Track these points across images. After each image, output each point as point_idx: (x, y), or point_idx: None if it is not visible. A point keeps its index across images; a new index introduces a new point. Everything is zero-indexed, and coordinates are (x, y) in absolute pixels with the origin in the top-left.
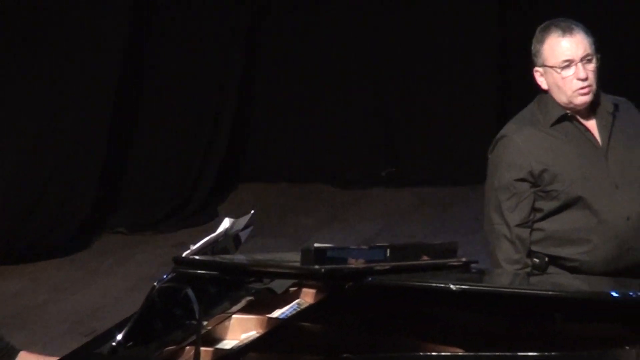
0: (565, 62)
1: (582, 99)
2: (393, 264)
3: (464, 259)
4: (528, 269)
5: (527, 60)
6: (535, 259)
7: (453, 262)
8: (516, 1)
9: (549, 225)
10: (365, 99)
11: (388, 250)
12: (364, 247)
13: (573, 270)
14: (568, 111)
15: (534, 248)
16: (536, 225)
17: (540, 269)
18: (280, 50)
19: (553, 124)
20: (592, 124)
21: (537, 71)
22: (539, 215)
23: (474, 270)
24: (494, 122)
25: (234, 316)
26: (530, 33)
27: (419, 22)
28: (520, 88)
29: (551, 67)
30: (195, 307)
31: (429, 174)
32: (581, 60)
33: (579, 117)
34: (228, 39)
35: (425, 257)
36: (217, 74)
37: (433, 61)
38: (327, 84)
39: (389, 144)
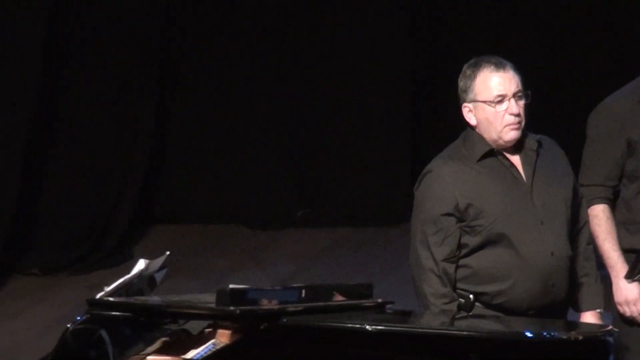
0: (498, 97)
1: (512, 135)
2: (308, 304)
3: (379, 300)
4: (455, 303)
5: (440, 99)
6: (460, 298)
7: (368, 302)
8: (428, 39)
9: (474, 261)
10: (279, 140)
11: (303, 291)
12: (279, 288)
13: (498, 307)
14: (494, 147)
15: (459, 285)
16: (461, 262)
17: (466, 308)
18: (194, 91)
19: (479, 160)
20: (517, 160)
21: (465, 107)
22: (464, 251)
23: (389, 311)
24: (408, 162)
25: (148, 357)
26: (443, 70)
27: (330, 60)
28: (434, 128)
29: (483, 102)
30: (109, 349)
31: (343, 214)
32: (514, 95)
33: (504, 153)
34: (142, 80)
35: (340, 298)
36: (130, 115)
37: (345, 101)
38: (241, 124)
39: (304, 185)
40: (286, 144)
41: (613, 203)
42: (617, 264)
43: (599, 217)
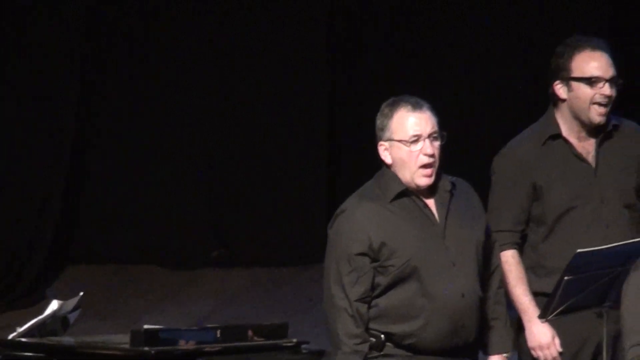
0: (414, 136)
1: (425, 181)
2: (224, 345)
3: (295, 340)
4: (367, 343)
5: (357, 138)
6: (372, 338)
7: (284, 342)
8: (346, 78)
9: (386, 301)
10: (195, 180)
11: (219, 331)
12: (195, 328)
13: (409, 347)
14: (408, 187)
15: (371, 325)
16: (374, 301)
17: (377, 348)
18: (111, 131)
19: (392, 200)
20: (430, 201)
21: (381, 145)
22: (377, 290)
23: (305, 351)
24: (324, 201)
25: None
26: (361, 109)
27: (247, 99)
28: (350, 167)
29: (399, 141)
30: None
31: (259, 254)
32: (429, 136)
33: (418, 194)
34: (58, 119)
35: (256, 338)
36: (45, 156)
37: (262, 140)
38: (157, 164)
39: (219, 225)
40: (202, 184)
41: (521, 247)
42: (529, 309)
43: (509, 262)
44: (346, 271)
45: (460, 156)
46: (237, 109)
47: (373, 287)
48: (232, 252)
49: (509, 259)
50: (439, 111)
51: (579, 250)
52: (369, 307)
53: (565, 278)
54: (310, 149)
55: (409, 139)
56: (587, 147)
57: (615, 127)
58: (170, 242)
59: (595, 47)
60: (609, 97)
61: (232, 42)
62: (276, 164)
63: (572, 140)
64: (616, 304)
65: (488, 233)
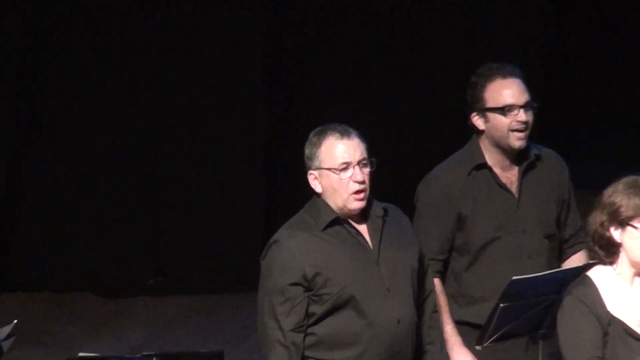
0: (343, 164)
1: (357, 205)
2: None
3: None
4: None
5: (293, 166)
6: None
7: None
8: (281, 106)
9: (321, 329)
10: (130, 207)
11: (154, 359)
12: (130, 356)
13: None
14: (340, 215)
15: (307, 353)
16: (309, 330)
17: None
18: (43, 158)
19: (325, 228)
20: (363, 228)
21: (311, 174)
22: (312, 319)
23: None
24: (261, 228)
25: None
26: (296, 138)
27: (183, 124)
28: (287, 195)
29: (328, 169)
30: None
31: (195, 281)
32: (358, 163)
33: (350, 221)
34: None
35: None
36: None
37: (198, 167)
38: (91, 191)
39: (155, 252)
40: (137, 211)
41: (443, 275)
42: (451, 337)
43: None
44: (279, 301)
45: (391, 181)
46: (174, 134)
47: (307, 316)
48: (167, 279)
49: None
50: (369, 137)
51: (514, 278)
52: (305, 336)
53: (501, 305)
54: (247, 176)
55: (339, 166)
56: (510, 177)
57: (538, 156)
58: (106, 269)
59: (506, 75)
60: (525, 122)
61: (167, 67)
62: (212, 191)
63: (497, 170)
64: (551, 331)
65: (421, 258)
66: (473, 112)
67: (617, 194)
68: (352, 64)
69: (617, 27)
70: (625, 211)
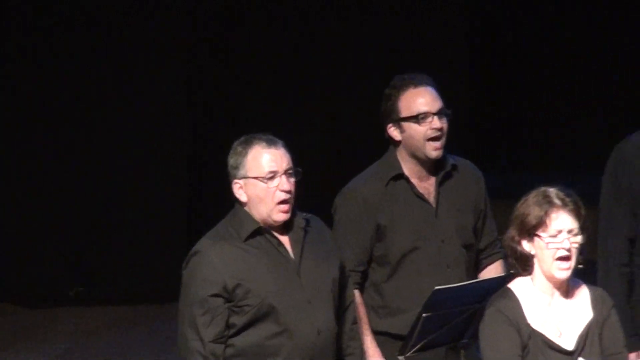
0: (270, 173)
1: (282, 216)
2: None
3: None
4: None
5: (216, 176)
6: None
7: None
8: (205, 119)
9: (241, 340)
10: (51, 216)
11: None
12: None
13: None
14: (262, 225)
15: None
16: (230, 341)
17: None
18: None
19: (247, 239)
20: (285, 239)
21: (236, 184)
22: (232, 330)
23: None
24: (184, 238)
25: None
26: (219, 147)
27: (106, 138)
28: (209, 204)
29: (255, 178)
30: None
31: (117, 292)
32: (285, 172)
33: (272, 232)
34: None
35: None
36: None
37: (121, 177)
38: (13, 200)
39: (78, 262)
40: (60, 221)
41: (362, 286)
42: (369, 349)
43: None
44: (200, 312)
45: (313, 192)
46: (96, 145)
47: (228, 327)
48: (90, 289)
49: None
50: (290, 148)
51: (437, 287)
52: (225, 347)
53: (424, 315)
54: (170, 187)
55: (265, 175)
56: (428, 187)
57: (454, 167)
58: (27, 279)
59: (418, 84)
60: (440, 129)
61: (89, 81)
62: (135, 201)
63: (414, 180)
64: (473, 341)
65: (342, 269)
66: (388, 123)
67: (523, 206)
68: (273, 76)
69: (540, 39)
70: (529, 221)
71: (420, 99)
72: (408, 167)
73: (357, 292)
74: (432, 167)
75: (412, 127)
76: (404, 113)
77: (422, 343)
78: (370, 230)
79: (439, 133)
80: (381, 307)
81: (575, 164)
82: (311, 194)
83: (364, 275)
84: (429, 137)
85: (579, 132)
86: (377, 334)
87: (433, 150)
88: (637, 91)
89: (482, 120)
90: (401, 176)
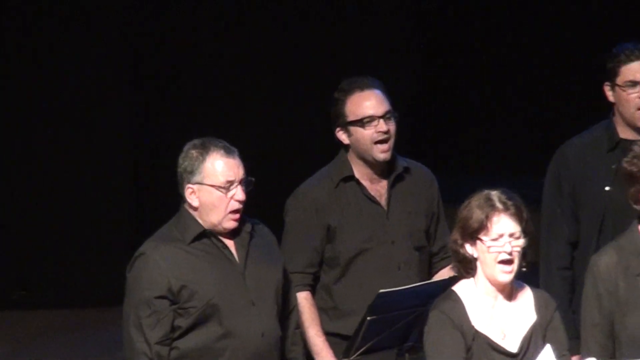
0: (227, 182)
1: (233, 224)
2: None
3: None
4: None
5: (161, 180)
6: None
7: None
8: (151, 120)
9: (187, 342)
10: None
11: None
12: None
13: None
14: (206, 229)
15: None
16: (174, 344)
17: None
18: None
19: (192, 241)
20: (230, 242)
21: (189, 188)
22: (177, 332)
23: None
24: (126, 243)
25: None
26: (164, 150)
27: (47, 141)
28: (154, 208)
29: (211, 185)
30: None
31: (60, 296)
32: (240, 182)
33: (217, 235)
34: None
35: None
36: None
37: (63, 181)
38: None
39: (19, 266)
40: (1, 224)
41: (314, 288)
42: (322, 351)
43: (302, 304)
44: (145, 314)
45: (260, 196)
46: (38, 148)
47: (173, 329)
48: (32, 293)
49: (302, 301)
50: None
51: (381, 291)
52: (170, 350)
53: (368, 318)
54: (113, 189)
55: (223, 184)
56: (379, 190)
57: (406, 169)
58: None
59: (364, 87)
60: (386, 132)
61: (32, 82)
62: (78, 204)
63: (365, 182)
64: (418, 344)
65: (286, 274)
66: (337, 127)
67: (467, 209)
68: (219, 79)
69: (484, 42)
70: (472, 225)
71: (366, 103)
72: (359, 170)
73: (308, 294)
74: (384, 169)
75: (359, 131)
76: (351, 117)
77: (366, 346)
78: (320, 232)
79: (385, 136)
80: (332, 308)
81: (517, 166)
82: (262, 197)
83: (316, 277)
84: (375, 140)
85: (522, 135)
86: (328, 335)
87: (380, 152)
88: (580, 93)
89: (423, 124)
90: (352, 178)
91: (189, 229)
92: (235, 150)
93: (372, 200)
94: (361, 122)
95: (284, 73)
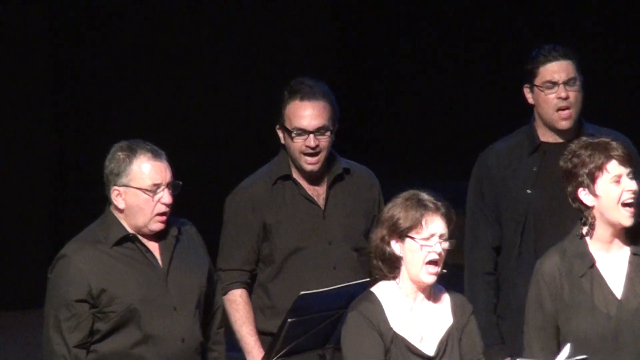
0: (154, 185)
1: (159, 226)
2: None
3: None
4: None
5: (83, 181)
6: None
7: None
8: (72, 120)
9: (106, 346)
10: None
11: None
12: None
13: None
14: (130, 232)
15: None
16: (93, 347)
17: None
18: None
19: (115, 245)
20: (154, 246)
21: (115, 190)
22: (96, 336)
23: None
24: (45, 245)
25: None
26: (86, 150)
27: None
28: (75, 207)
29: (137, 188)
30: None
31: None
32: (167, 185)
33: (141, 238)
34: None
35: None
36: None
37: None
38: None
39: None
40: None
41: (251, 287)
42: (253, 349)
43: (237, 302)
44: (65, 317)
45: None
46: None
47: (92, 333)
48: None
49: (237, 298)
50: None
51: (302, 292)
52: (88, 353)
53: (289, 320)
54: (33, 190)
55: (149, 187)
56: (317, 190)
57: (347, 170)
58: None
59: (305, 96)
60: (314, 147)
61: None
62: None
63: (302, 182)
64: (338, 346)
65: (210, 277)
66: (277, 124)
67: (396, 207)
68: (142, 78)
69: (401, 47)
70: (403, 223)
71: (302, 113)
72: (296, 170)
73: (243, 292)
74: (320, 171)
75: (288, 140)
76: (287, 123)
77: (287, 348)
78: (256, 229)
79: (313, 151)
80: (268, 307)
81: (438, 170)
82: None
83: (253, 275)
84: (303, 152)
85: (442, 139)
86: (264, 334)
87: (307, 164)
88: (503, 96)
89: (341, 126)
90: (290, 177)
91: (113, 231)
92: (163, 153)
93: (309, 199)
94: (291, 133)
95: (208, 70)
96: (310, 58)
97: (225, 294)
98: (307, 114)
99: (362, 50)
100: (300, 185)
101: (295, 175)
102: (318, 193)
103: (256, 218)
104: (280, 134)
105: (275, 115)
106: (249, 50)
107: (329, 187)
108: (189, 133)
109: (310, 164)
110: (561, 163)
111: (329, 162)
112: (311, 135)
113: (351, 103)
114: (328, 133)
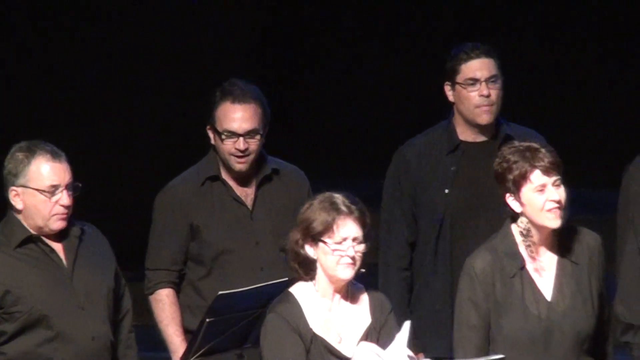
0: (52, 187)
1: (60, 224)
2: None
3: None
4: None
5: None
6: None
7: None
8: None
9: (13, 348)
10: None
11: None
12: None
13: None
14: (33, 234)
15: None
16: (1, 349)
17: None
18: None
19: (17, 246)
20: (58, 246)
21: (13, 191)
22: (3, 338)
23: None
24: None
25: None
26: None
27: None
28: None
29: (35, 189)
30: None
31: None
32: (66, 187)
33: (44, 239)
34: None
35: None
36: None
37: None
38: None
39: None
40: None
41: (178, 286)
42: (178, 350)
43: (163, 301)
44: None
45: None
46: None
47: None
48: None
49: (164, 298)
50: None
51: (220, 292)
52: None
53: (207, 320)
54: None
55: (47, 188)
56: (246, 190)
57: (275, 171)
58: None
59: (236, 99)
60: (243, 150)
61: None
62: None
63: (231, 182)
64: (256, 345)
65: (118, 278)
66: (207, 124)
67: (310, 210)
68: (55, 80)
69: (317, 42)
70: (315, 227)
71: (232, 116)
72: (224, 170)
73: (170, 292)
74: (248, 172)
75: (218, 142)
76: (217, 125)
77: (205, 348)
78: (184, 229)
79: (241, 153)
80: (197, 306)
81: (353, 168)
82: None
83: (181, 275)
84: (233, 154)
85: (359, 137)
86: (191, 333)
87: (237, 164)
88: (419, 93)
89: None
90: (218, 177)
91: (15, 234)
92: (63, 154)
93: (237, 200)
94: (220, 135)
95: (125, 67)
96: (229, 55)
97: (151, 293)
98: (238, 116)
99: (282, 49)
100: (229, 186)
101: (224, 176)
102: (246, 194)
103: (183, 218)
104: (211, 135)
105: (206, 115)
106: (170, 49)
107: (258, 188)
108: (102, 135)
109: (240, 163)
110: (494, 165)
111: (258, 163)
112: (241, 138)
113: (272, 102)
114: (258, 136)
